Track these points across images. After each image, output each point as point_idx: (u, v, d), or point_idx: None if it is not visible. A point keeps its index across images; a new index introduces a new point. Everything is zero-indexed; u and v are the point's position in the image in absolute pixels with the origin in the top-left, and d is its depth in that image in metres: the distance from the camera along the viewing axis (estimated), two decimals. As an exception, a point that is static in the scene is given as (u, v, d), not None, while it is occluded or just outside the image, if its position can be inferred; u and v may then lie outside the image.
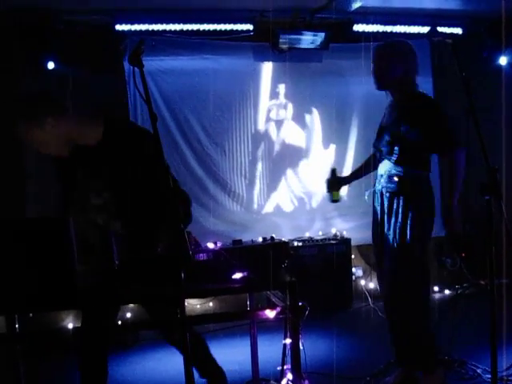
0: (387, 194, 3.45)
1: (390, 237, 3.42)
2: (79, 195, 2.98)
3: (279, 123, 6.31)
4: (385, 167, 3.50)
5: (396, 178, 3.41)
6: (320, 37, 5.87)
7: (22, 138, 2.89)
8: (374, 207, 3.63)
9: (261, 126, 6.25)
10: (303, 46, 5.91)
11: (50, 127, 2.80)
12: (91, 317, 2.86)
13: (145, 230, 2.96)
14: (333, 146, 6.37)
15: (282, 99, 6.27)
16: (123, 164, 2.85)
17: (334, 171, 3.86)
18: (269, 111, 6.26)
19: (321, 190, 6.39)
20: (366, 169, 3.88)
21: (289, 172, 6.36)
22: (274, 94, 6.25)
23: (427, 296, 3.54)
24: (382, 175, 3.52)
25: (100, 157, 2.88)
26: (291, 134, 6.34)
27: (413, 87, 3.43)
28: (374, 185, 3.61)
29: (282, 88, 6.25)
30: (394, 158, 3.41)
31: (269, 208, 6.31)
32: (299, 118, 6.33)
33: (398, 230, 3.39)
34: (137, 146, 2.85)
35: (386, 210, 3.47)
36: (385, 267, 3.49)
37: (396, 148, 3.39)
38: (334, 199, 3.86)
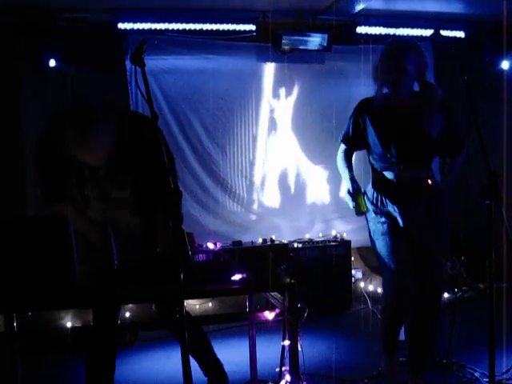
0: (426, 198, 3.36)
1: (431, 238, 3.38)
2: (88, 191, 2.98)
3: (280, 124, 6.30)
4: (414, 172, 3.38)
5: (430, 181, 3.38)
6: (322, 38, 5.87)
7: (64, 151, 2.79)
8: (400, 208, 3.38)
9: (262, 127, 6.24)
10: (306, 47, 5.91)
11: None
12: (102, 316, 2.86)
13: (152, 227, 2.98)
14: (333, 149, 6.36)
15: (283, 100, 6.26)
16: (140, 156, 2.86)
17: (353, 178, 3.53)
18: (270, 112, 6.25)
19: (321, 190, 6.42)
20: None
21: (290, 173, 6.35)
22: (275, 95, 6.24)
23: None
24: (407, 180, 3.37)
25: (122, 152, 2.89)
26: (292, 134, 6.33)
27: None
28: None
29: (283, 89, 6.24)
30: (428, 160, 3.40)
31: (269, 209, 6.30)
32: (301, 119, 6.32)
33: (439, 231, 3.38)
34: (149, 134, 2.85)
35: (424, 212, 3.36)
36: (431, 272, 3.39)
37: (427, 149, 3.38)
38: (363, 210, 3.46)
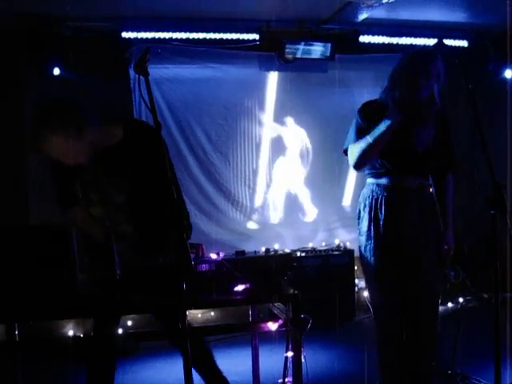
0: (421, 207, 3.24)
1: (430, 250, 3.25)
2: (90, 194, 2.98)
3: (284, 132, 6.29)
4: (411, 179, 3.25)
5: (431, 190, 3.27)
6: (326, 47, 5.90)
7: (42, 150, 2.80)
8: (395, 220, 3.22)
9: (265, 136, 6.23)
10: (309, 56, 5.92)
11: (74, 139, 2.75)
12: (101, 326, 2.85)
13: (153, 236, 2.96)
14: (336, 158, 6.37)
15: (287, 109, 6.25)
16: (143, 163, 2.86)
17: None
18: (274, 120, 6.24)
19: (324, 201, 6.41)
20: None
21: (292, 182, 6.35)
22: (279, 104, 6.23)
23: None
24: (404, 187, 3.23)
25: (122, 156, 2.90)
26: (296, 144, 6.33)
27: None
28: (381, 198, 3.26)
29: (286, 98, 6.23)
30: (424, 168, 3.27)
31: (272, 218, 6.29)
32: (304, 128, 6.31)
33: (435, 243, 3.27)
34: (153, 144, 2.86)
35: (422, 225, 3.23)
36: (430, 286, 3.28)
37: (429, 158, 3.24)
38: None
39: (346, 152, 3.34)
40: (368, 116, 3.24)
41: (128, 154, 2.90)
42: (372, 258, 3.28)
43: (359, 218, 3.37)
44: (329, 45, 5.89)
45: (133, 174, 2.93)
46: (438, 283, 3.32)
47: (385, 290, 3.30)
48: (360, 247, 3.37)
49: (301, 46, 5.86)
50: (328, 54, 5.92)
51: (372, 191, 3.31)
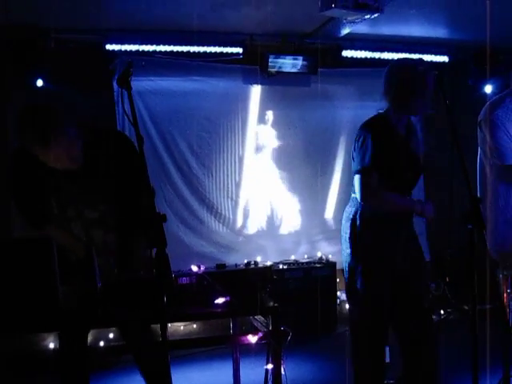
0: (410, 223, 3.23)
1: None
2: (67, 211, 2.95)
3: (266, 146, 6.32)
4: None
5: None
6: (308, 61, 5.94)
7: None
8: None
9: (248, 149, 6.26)
10: (292, 70, 5.97)
11: (44, 145, 2.69)
12: (69, 340, 2.84)
13: (130, 249, 2.95)
14: (318, 171, 6.41)
15: (269, 122, 6.29)
16: (112, 173, 2.85)
17: None
18: (256, 134, 6.27)
19: (307, 213, 6.43)
20: None
21: (274, 195, 6.37)
22: (262, 118, 6.27)
23: None
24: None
25: (87, 170, 2.86)
26: (277, 157, 6.35)
27: None
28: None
29: (270, 111, 6.28)
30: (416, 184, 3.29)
31: (254, 230, 6.30)
32: (286, 142, 6.35)
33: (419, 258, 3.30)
34: (120, 151, 2.85)
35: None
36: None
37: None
38: None
39: (358, 171, 3.09)
40: (379, 134, 3.07)
41: (93, 168, 2.85)
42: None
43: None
44: (312, 59, 5.94)
45: (104, 186, 2.90)
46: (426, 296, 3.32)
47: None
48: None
49: (284, 60, 5.91)
50: (311, 67, 5.97)
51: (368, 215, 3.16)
